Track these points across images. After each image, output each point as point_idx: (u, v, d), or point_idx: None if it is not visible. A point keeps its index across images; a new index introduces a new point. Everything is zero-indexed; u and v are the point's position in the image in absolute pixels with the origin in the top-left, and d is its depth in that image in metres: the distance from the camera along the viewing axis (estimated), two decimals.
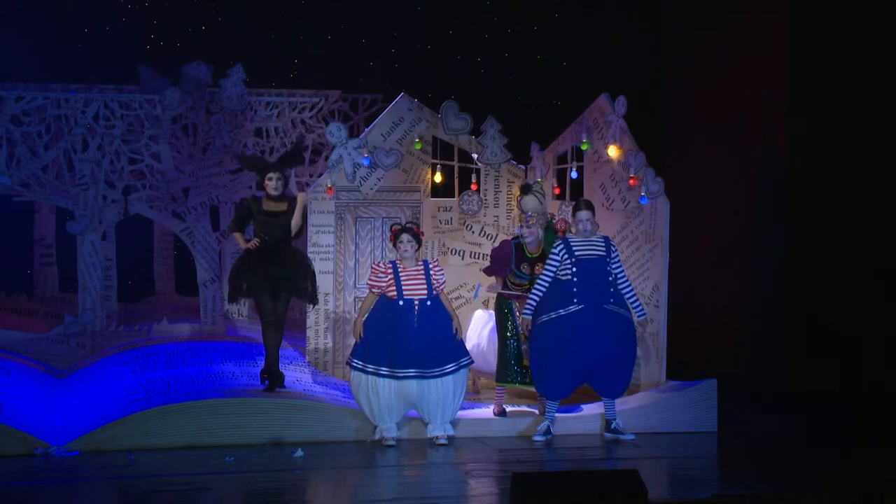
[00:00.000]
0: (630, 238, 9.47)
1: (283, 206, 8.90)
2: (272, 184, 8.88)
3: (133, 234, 10.91)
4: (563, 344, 8.43)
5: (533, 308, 8.55)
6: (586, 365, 8.47)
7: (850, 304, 10.51)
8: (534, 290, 8.58)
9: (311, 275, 8.99)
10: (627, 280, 8.60)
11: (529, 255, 8.93)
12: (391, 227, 8.61)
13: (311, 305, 9.33)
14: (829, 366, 10.50)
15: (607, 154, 9.59)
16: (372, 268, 8.54)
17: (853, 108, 10.52)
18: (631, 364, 8.62)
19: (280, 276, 8.80)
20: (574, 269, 8.45)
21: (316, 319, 9.73)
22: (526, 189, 8.98)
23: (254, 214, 8.92)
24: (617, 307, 8.49)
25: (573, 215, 8.64)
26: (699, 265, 11.45)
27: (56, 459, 7.91)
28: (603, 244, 8.54)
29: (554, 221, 9.06)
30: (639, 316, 8.58)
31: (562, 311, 8.46)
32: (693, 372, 9.49)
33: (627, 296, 8.53)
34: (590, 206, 8.60)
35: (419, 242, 8.47)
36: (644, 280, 9.34)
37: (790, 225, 10.80)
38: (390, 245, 9.72)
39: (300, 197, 9.04)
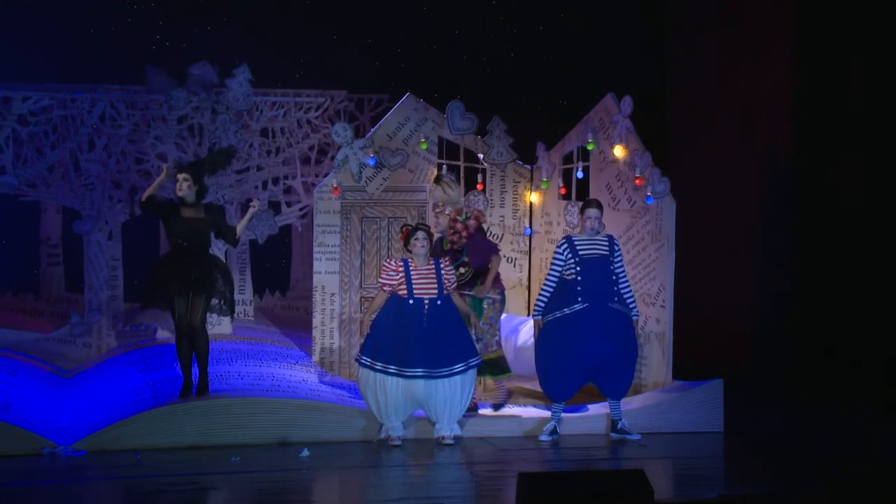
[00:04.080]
0: (636, 238, 9.46)
1: (200, 215, 8.56)
2: (178, 185, 8.49)
3: (139, 235, 10.90)
4: (568, 343, 8.43)
5: (541, 309, 8.55)
6: (591, 365, 8.47)
7: (857, 304, 10.49)
8: (541, 291, 8.59)
9: (230, 281, 8.66)
10: (627, 280, 8.61)
11: (444, 248, 8.90)
12: (402, 226, 8.61)
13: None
14: (836, 366, 10.49)
15: (613, 154, 9.58)
16: (383, 266, 8.54)
17: (859, 106, 10.50)
18: (634, 363, 8.63)
19: (197, 280, 8.45)
20: (578, 269, 8.46)
21: (322, 319, 9.73)
22: (435, 179, 9.01)
23: (170, 217, 8.53)
24: (621, 306, 8.50)
25: (581, 213, 8.65)
26: (705, 265, 11.44)
27: (62, 459, 7.92)
28: (607, 243, 8.54)
29: (469, 213, 8.94)
30: (633, 316, 8.58)
31: (566, 310, 8.46)
32: (699, 372, 9.48)
33: (626, 295, 8.54)
34: (599, 206, 8.62)
35: (432, 241, 8.49)
36: (650, 280, 9.33)
37: (796, 224, 10.79)
38: (397, 245, 9.75)
39: (252, 208, 8.73)
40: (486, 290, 8.79)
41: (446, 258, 8.69)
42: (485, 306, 8.83)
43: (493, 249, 8.94)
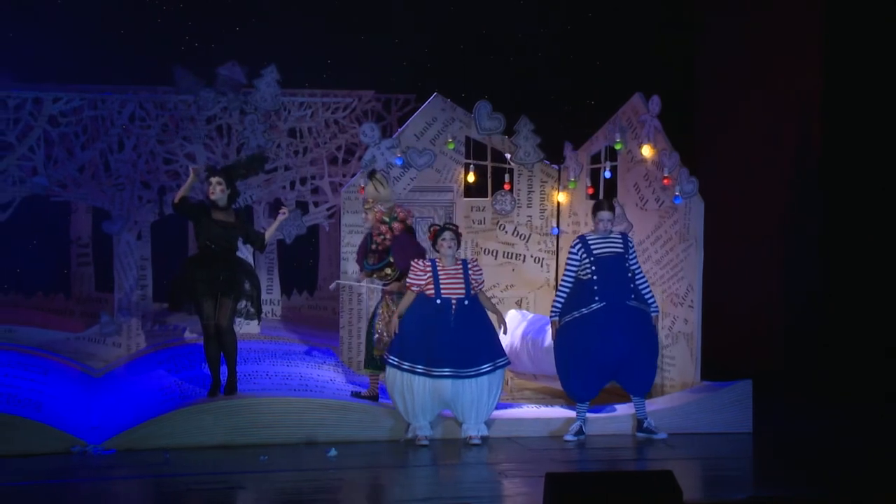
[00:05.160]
0: (664, 238, 9.43)
1: (230, 219, 8.63)
2: (210, 188, 8.55)
3: (168, 234, 10.97)
4: (587, 343, 8.43)
5: (559, 310, 8.55)
6: (611, 363, 8.47)
7: (888, 303, 10.41)
8: (558, 292, 8.61)
9: (256, 284, 8.71)
10: (644, 275, 8.61)
11: (370, 247, 8.81)
12: (430, 226, 8.62)
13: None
14: (867, 365, 10.41)
15: (641, 153, 9.55)
16: (411, 266, 8.56)
17: (890, 104, 10.41)
18: (655, 359, 8.61)
19: (224, 282, 8.49)
20: (593, 268, 8.46)
21: (349, 319, 9.75)
22: (369, 175, 8.93)
23: (201, 219, 8.57)
24: (639, 303, 8.49)
25: (593, 215, 8.63)
26: (734, 265, 11.38)
27: (93, 458, 7.98)
28: (621, 241, 8.54)
29: (396, 214, 8.83)
30: (652, 312, 8.56)
31: (584, 310, 8.46)
32: (728, 372, 9.44)
33: (643, 290, 8.54)
34: (611, 207, 8.60)
35: (459, 242, 8.50)
36: (678, 280, 9.30)
37: (826, 223, 10.72)
38: (424, 245, 9.76)
39: (281, 214, 8.81)
40: (400, 287, 8.69)
41: (375, 256, 8.69)
42: None
43: (419, 252, 8.82)
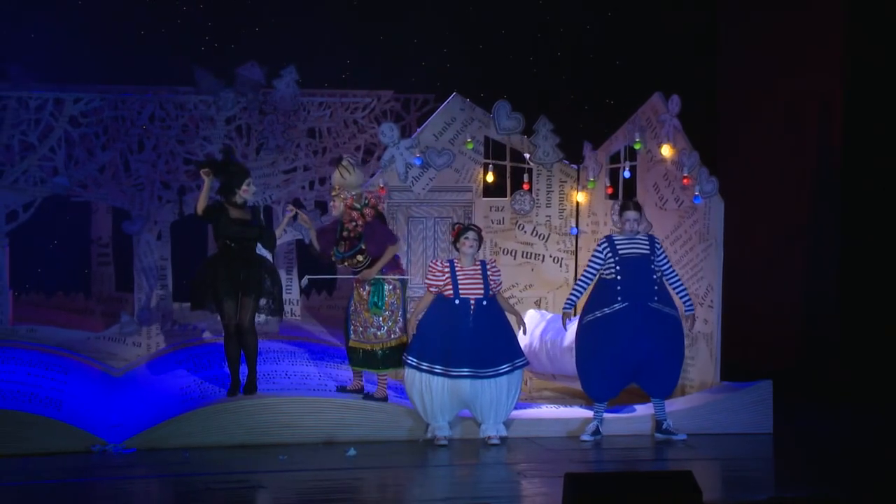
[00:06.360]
0: (684, 238, 9.40)
1: (247, 216, 8.68)
2: (246, 188, 8.61)
3: (188, 234, 11.00)
4: (608, 343, 8.41)
5: (572, 304, 8.55)
6: (632, 364, 8.44)
7: None
8: (575, 287, 8.62)
9: (277, 281, 8.73)
10: (676, 275, 8.56)
11: (340, 234, 8.68)
12: (453, 225, 8.62)
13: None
14: (886, 366, 10.36)
15: (660, 153, 9.53)
16: (429, 266, 8.56)
17: None
18: (678, 363, 8.57)
19: (245, 280, 8.52)
20: (617, 268, 8.44)
21: None
22: (336, 162, 8.83)
23: (220, 218, 8.62)
24: (662, 305, 8.45)
25: (620, 215, 8.61)
26: (754, 265, 11.34)
27: (113, 456, 8.02)
28: (647, 242, 8.51)
29: (367, 200, 8.74)
30: (687, 310, 8.53)
31: (606, 310, 8.44)
32: (748, 373, 9.40)
33: (677, 290, 8.50)
34: (638, 207, 8.57)
35: (481, 243, 8.49)
36: (698, 280, 9.27)
37: (845, 224, 10.67)
38: (443, 245, 9.76)
39: (288, 212, 8.85)
40: (372, 274, 8.58)
41: (346, 244, 8.61)
42: (386, 293, 8.66)
43: (391, 239, 8.71)
